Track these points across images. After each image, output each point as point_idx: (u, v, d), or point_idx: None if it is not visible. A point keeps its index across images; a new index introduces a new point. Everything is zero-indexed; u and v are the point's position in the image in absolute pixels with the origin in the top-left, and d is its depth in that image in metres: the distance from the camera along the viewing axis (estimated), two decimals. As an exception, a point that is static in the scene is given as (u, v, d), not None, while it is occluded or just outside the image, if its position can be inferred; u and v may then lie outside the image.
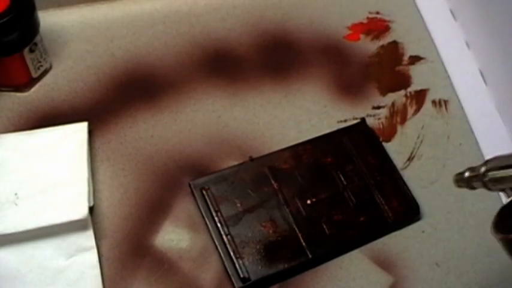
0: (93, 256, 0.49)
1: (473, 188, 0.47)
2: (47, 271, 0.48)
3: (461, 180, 0.47)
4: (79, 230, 0.49)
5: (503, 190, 0.44)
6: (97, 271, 0.49)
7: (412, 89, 0.65)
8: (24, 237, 0.48)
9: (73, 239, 0.49)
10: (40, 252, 0.48)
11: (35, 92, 0.57)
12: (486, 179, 0.44)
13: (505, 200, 0.43)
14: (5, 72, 0.55)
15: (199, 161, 0.56)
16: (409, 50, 0.68)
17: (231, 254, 0.51)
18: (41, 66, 0.57)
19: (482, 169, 0.44)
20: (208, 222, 0.52)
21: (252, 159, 0.56)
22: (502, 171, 0.43)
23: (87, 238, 0.49)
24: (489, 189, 0.45)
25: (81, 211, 0.49)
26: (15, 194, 0.49)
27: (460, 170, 0.47)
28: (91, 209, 0.51)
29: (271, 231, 0.53)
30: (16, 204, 0.48)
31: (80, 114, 0.56)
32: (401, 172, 0.58)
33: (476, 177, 0.45)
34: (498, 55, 0.64)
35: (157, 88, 0.60)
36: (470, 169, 0.46)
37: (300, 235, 0.53)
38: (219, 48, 0.64)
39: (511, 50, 0.62)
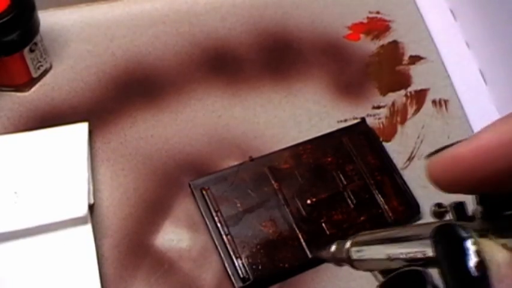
0: (92, 256, 0.49)
1: (341, 265, 0.39)
2: (45, 271, 0.48)
3: (326, 255, 0.39)
4: (78, 230, 0.49)
5: (371, 271, 0.35)
6: (96, 271, 0.49)
7: (412, 88, 0.65)
8: (23, 236, 0.48)
9: (73, 239, 0.49)
10: (39, 252, 0.48)
11: (35, 92, 0.57)
12: (350, 257, 0.35)
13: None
14: (5, 72, 0.55)
15: (199, 161, 0.56)
16: (409, 50, 0.68)
17: (231, 254, 0.51)
18: (41, 66, 0.57)
19: (347, 244, 0.36)
20: (208, 222, 0.52)
21: (252, 159, 0.56)
22: (366, 250, 0.34)
23: (87, 238, 0.49)
24: (356, 268, 0.37)
25: (80, 209, 0.49)
26: (15, 193, 0.49)
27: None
28: (91, 208, 0.51)
29: (271, 231, 0.53)
30: (15, 203, 0.48)
31: (80, 114, 0.56)
32: (401, 172, 0.58)
33: (341, 253, 0.37)
34: (498, 55, 0.64)
35: (158, 88, 0.60)
36: (337, 243, 0.37)
37: (300, 235, 0.53)
38: (219, 48, 0.64)
39: (511, 50, 0.62)
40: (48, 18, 0.59)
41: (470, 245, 0.23)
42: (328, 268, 0.53)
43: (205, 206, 0.53)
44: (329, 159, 0.57)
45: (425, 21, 0.70)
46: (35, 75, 0.57)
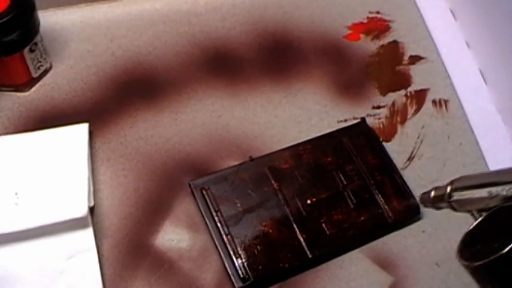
0: (93, 256, 0.49)
1: (439, 208, 0.45)
2: (47, 272, 0.48)
3: (426, 200, 0.46)
4: (79, 230, 0.49)
5: (469, 212, 0.42)
6: (97, 272, 0.49)
7: (412, 88, 0.65)
8: (25, 237, 0.48)
9: (73, 240, 0.49)
10: (40, 253, 0.48)
11: (35, 91, 0.57)
12: (451, 199, 0.42)
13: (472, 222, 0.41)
14: (5, 72, 0.55)
15: (199, 161, 0.56)
16: (409, 50, 0.68)
17: (231, 254, 0.51)
18: (41, 66, 0.57)
19: (448, 189, 0.43)
20: (208, 222, 0.52)
21: (252, 159, 0.56)
22: (467, 192, 0.41)
23: (87, 238, 0.49)
24: (455, 210, 0.43)
25: (81, 209, 0.49)
26: (16, 194, 0.49)
27: (439, 184, 0.45)
28: (91, 209, 0.51)
29: (271, 231, 0.53)
30: (16, 204, 0.48)
31: (80, 114, 0.56)
32: (401, 172, 0.58)
33: (442, 198, 0.43)
34: (498, 55, 0.64)
35: (158, 88, 0.60)
36: (436, 189, 0.45)
37: (300, 235, 0.53)
38: (219, 48, 0.64)
39: (511, 50, 0.62)
40: (48, 18, 0.59)
41: None
42: (328, 268, 0.53)
43: (205, 206, 0.53)
44: (329, 159, 0.57)
45: (425, 21, 0.70)
46: (35, 75, 0.57)
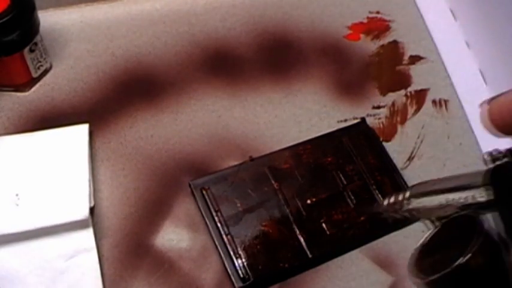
0: (93, 257, 0.49)
1: (396, 218, 0.42)
2: (47, 272, 0.48)
3: (383, 207, 0.42)
4: (79, 231, 0.49)
5: (430, 220, 0.38)
6: (97, 272, 0.49)
7: (412, 88, 0.65)
8: (25, 238, 0.48)
9: (73, 240, 0.49)
10: (40, 253, 0.48)
11: (35, 92, 0.57)
12: (409, 207, 0.39)
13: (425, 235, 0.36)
14: (5, 72, 0.55)
15: (199, 161, 0.56)
16: (409, 50, 0.68)
17: (231, 254, 0.51)
18: (41, 66, 0.57)
19: (407, 194, 0.40)
20: (208, 222, 0.52)
21: (252, 159, 0.56)
22: (425, 199, 0.37)
23: (88, 239, 0.49)
24: (412, 218, 0.39)
25: (82, 211, 0.49)
26: (16, 195, 0.49)
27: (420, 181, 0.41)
28: (91, 209, 0.51)
29: (271, 231, 0.53)
30: (17, 205, 0.48)
31: (80, 114, 0.56)
32: (401, 172, 0.58)
33: (399, 204, 0.40)
34: (498, 55, 0.64)
35: (158, 88, 0.60)
36: (394, 195, 0.42)
37: (300, 235, 0.53)
38: (219, 48, 0.64)
39: (511, 50, 0.62)
40: (48, 18, 0.59)
41: None
42: (328, 268, 0.53)
43: (205, 206, 0.53)
44: (329, 159, 0.57)
45: (425, 21, 0.70)
46: (35, 75, 0.57)
